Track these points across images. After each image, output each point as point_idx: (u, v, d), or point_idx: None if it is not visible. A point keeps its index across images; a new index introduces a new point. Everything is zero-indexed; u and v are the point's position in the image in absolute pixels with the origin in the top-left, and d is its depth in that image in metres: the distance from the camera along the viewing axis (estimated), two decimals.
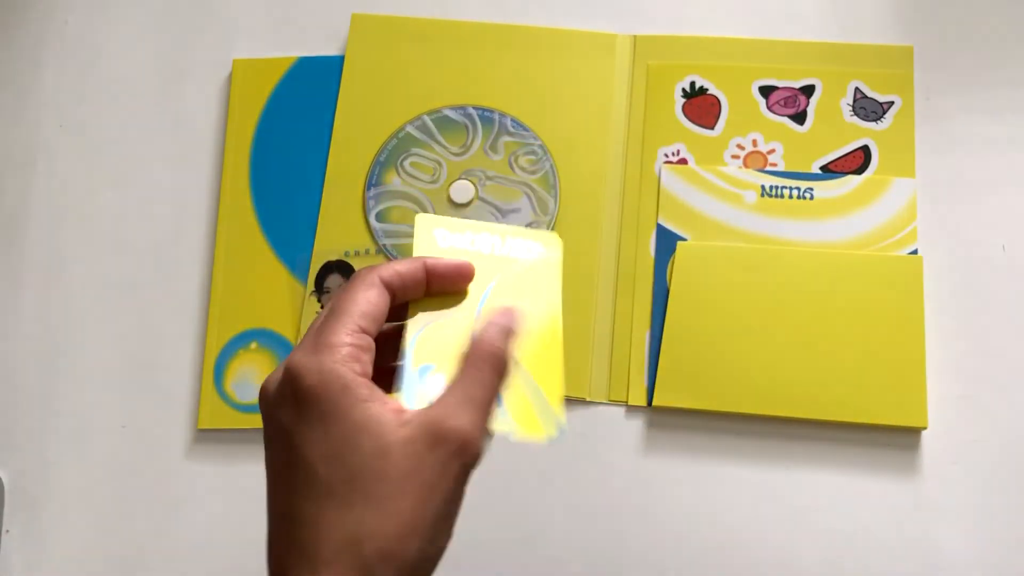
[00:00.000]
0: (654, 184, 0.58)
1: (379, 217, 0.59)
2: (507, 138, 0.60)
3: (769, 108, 0.59)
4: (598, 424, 0.56)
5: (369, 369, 0.32)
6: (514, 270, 0.37)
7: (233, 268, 0.59)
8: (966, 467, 0.53)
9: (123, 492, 0.57)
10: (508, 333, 0.34)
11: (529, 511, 0.54)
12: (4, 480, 0.57)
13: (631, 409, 0.56)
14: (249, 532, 0.55)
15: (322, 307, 0.58)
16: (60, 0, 0.66)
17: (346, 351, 0.31)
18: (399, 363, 0.33)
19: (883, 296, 0.54)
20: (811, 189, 0.57)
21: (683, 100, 0.60)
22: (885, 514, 0.53)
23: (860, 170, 0.58)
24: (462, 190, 0.59)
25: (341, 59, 0.62)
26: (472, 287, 0.36)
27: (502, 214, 0.58)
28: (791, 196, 0.57)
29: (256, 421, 0.56)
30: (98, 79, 0.64)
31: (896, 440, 0.54)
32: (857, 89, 0.59)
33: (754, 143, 0.59)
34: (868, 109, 0.58)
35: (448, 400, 0.31)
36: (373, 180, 0.59)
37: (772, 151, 0.58)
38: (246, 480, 0.56)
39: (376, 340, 0.33)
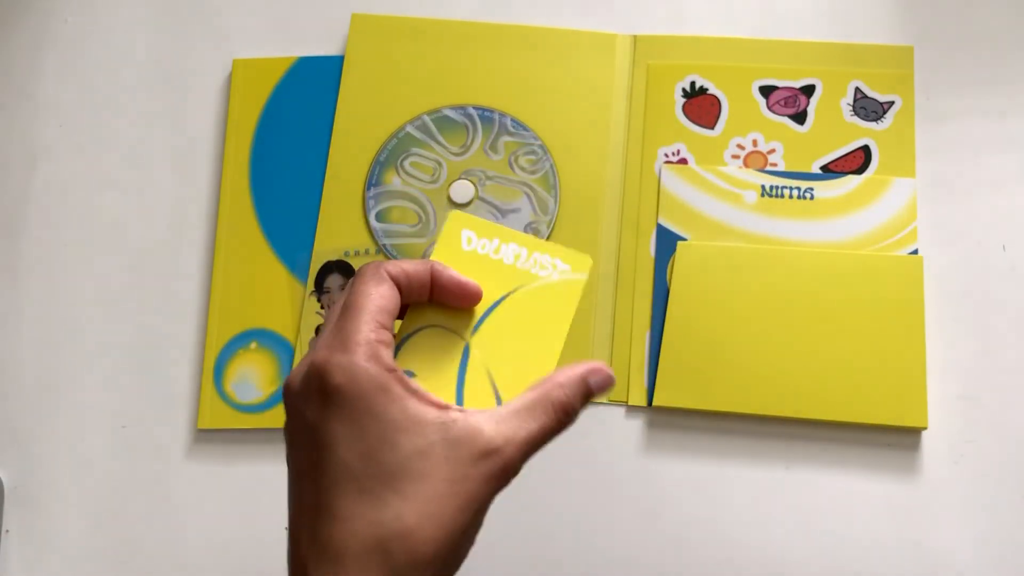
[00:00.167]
0: (654, 184, 0.58)
1: (379, 217, 0.59)
2: (507, 138, 0.60)
3: (769, 108, 0.59)
4: (598, 424, 0.56)
5: (393, 364, 0.31)
6: (530, 288, 0.36)
7: (233, 268, 0.59)
8: (966, 467, 0.53)
9: (123, 492, 0.57)
10: (589, 394, 0.34)
11: (529, 511, 0.54)
12: (4, 480, 0.57)
13: (631, 409, 0.56)
14: (249, 532, 0.55)
15: (322, 307, 0.58)
16: (60, 0, 0.66)
17: (371, 347, 0.31)
18: None
19: (883, 296, 0.54)
20: (811, 189, 0.57)
21: (683, 100, 0.60)
22: (885, 514, 0.53)
23: (860, 170, 0.58)
24: (462, 190, 0.59)
25: (341, 59, 0.62)
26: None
27: (502, 214, 0.58)
28: (791, 196, 0.57)
29: (256, 421, 0.57)
30: (98, 79, 0.64)
31: (896, 440, 0.54)
32: (857, 89, 0.59)
33: (754, 143, 0.59)
34: (868, 109, 0.58)
35: (506, 426, 0.31)
36: (373, 180, 0.59)
37: (772, 151, 0.58)
38: (246, 480, 0.56)
39: None
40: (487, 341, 0.35)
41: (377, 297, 0.32)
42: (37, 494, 0.57)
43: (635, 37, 0.61)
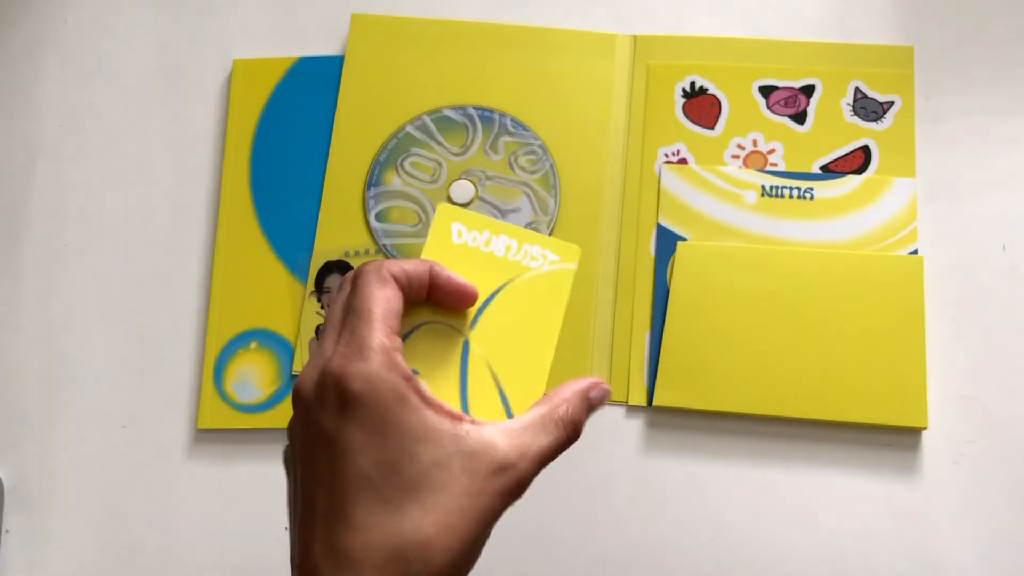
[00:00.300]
0: (654, 184, 0.58)
1: (379, 217, 0.59)
2: (507, 138, 0.60)
3: (769, 108, 0.59)
4: (598, 424, 0.55)
5: (409, 372, 0.31)
6: (522, 279, 0.36)
7: (233, 268, 0.59)
8: (966, 467, 0.53)
9: (123, 492, 0.57)
10: (591, 408, 0.34)
11: (529, 511, 0.54)
12: (4, 480, 0.57)
13: (631, 409, 0.56)
14: (249, 532, 0.55)
15: (322, 307, 0.58)
16: (60, 0, 0.66)
17: (388, 354, 0.31)
18: None
19: (883, 296, 0.54)
20: (811, 189, 0.57)
21: (683, 100, 0.60)
22: (885, 514, 0.53)
23: (860, 170, 0.58)
24: (462, 190, 0.59)
25: (341, 59, 0.62)
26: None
27: (502, 214, 0.58)
28: (791, 196, 0.57)
29: (256, 421, 0.57)
30: (98, 79, 0.64)
31: (896, 440, 0.54)
32: (857, 89, 0.59)
33: (754, 143, 0.59)
34: (868, 109, 0.58)
35: (519, 441, 0.32)
36: (373, 180, 0.59)
37: (772, 151, 0.58)
38: (246, 480, 0.56)
39: None
40: (485, 335, 0.35)
41: (384, 300, 0.32)
42: (37, 494, 0.57)
43: (635, 37, 0.61)
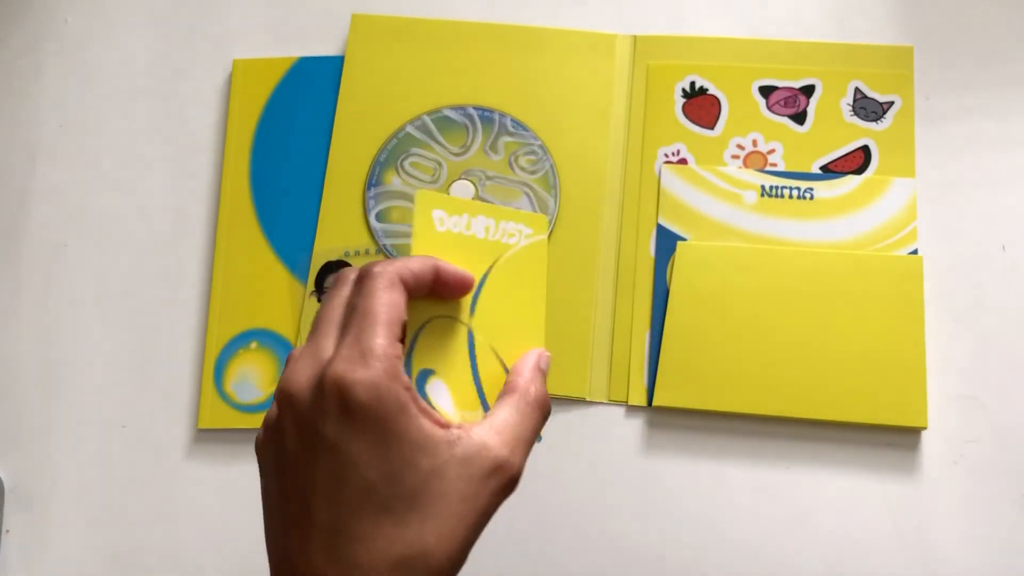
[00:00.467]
0: (654, 184, 0.58)
1: (379, 217, 0.59)
2: (507, 138, 0.60)
3: (769, 108, 0.59)
4: (598, 424, 0.56)
5: (408, 381, 0.31)
6: (506, 258, 0.37)
7: (233, 268, 0.59)
8: (966, 467, 0.53)
9: (123, 492, 0.57)
10: (545, 377, 0.36)
11: (529, 511, 0.54)
12: (4, 480, 0.57)
13: (631, 409, 0.56)
14: (249, 532, 0.55)
15: None
16: (60, 0, 0.66)
17: (391, 363, 0.30)
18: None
19: (883, 296, 0.54)
20: (811, 189, 0.57)
21: (683, 100, 0.60)
22: (885, 514, 0.53)
23: (860, 170, 0.58)
24: (462, 190, 0.59)
25: (341, 59, 0.62)
26: None
27: None
28: (791, 196, 0.57)
29: (256, 421, 0.56)
30: (98, 79, 0.64)
31: (896, 440, 0.54)
32: (857, 89, 0.59)
33: (754, 143, 0.59)
34: (868, 109, 0.58)
35: (507, 436, 0.32)
36: (373, 180, 0.59)
37: (772, 151, 0.58)
38: (246, 480, 0.56)
39: None
40: (484, 321, 0.36)
41: (391, 305, 0.32)
42: (37, 494, 0.57)
43: (635, 37, 0.61)
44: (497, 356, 0.36)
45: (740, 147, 0.59)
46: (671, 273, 0.56)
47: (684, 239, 0.57)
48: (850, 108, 0.59)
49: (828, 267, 0.55)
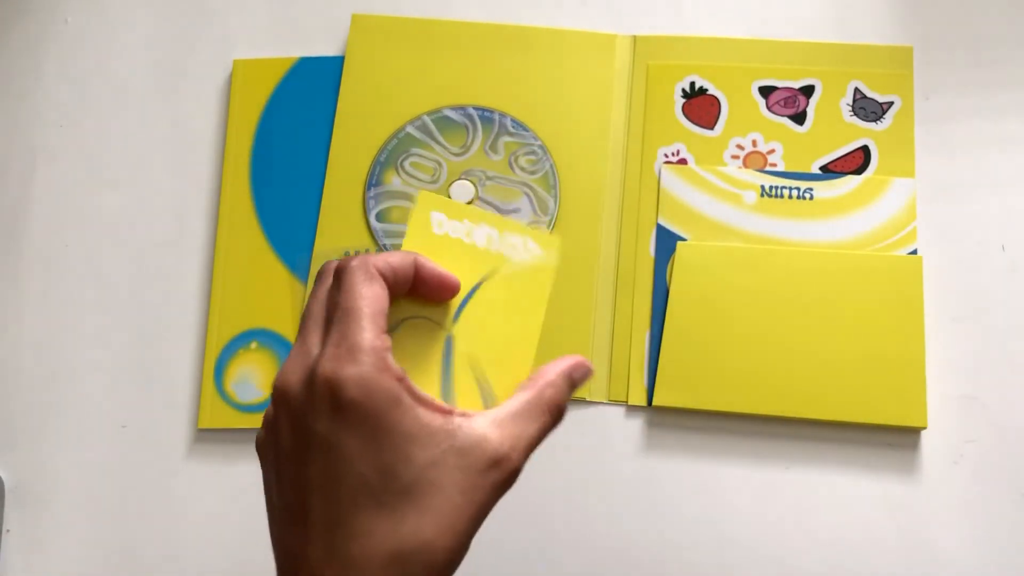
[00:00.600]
0: (654, 184, 0.58)
1: (379, 217, 0.59)
2: (507, 138, 0.60)
3: (769, 108, 0.59)
4: (598, 424, 0.56)
5: (401, 372, 0.31)
6: (504, 272, 0.36)
7: (233, 268, 0.59)
8: (966, 467, 0.53)
9: (123, 492, 0.57)
10: (573, 388, 0.34)
11: (529, 510, 0.54)
12: (4, 480, 0.57)
13: (631, 409, 0.56)
14: (249, 532, 0.55)
15: None
16: (60, 0, 0.66)
17: (380, 356, 0.30)
18: None
19: (883, 296, 0.54)
20: (811, 189, 0.57)
21: (683, 100, 0.60)
22: (885, 514, 0.53)
23: (860, 170, 0.58)
24: (462, 190, 0.59)
25: (341, 59, 0.62)
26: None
27: (502, 214, 0.58)
28: (791, 196, 0.57)
29: (256, 421, 0.56)
30: (98, 79, 0.64)
31: (896, 440, 0.54)
32: (857, 89, 0.59)
33: (754, 143, 0.59)
34: (868, 109, 0.58)
35: (509, 431, 0.32)
36: (373, 180, 0.60)
37: (772, 151, 0.58)
38: (246, 480, 0.56)
39: None
40: (468, 331, 0.35)
41: (373, 298, 0.31)
42: (37, 494, 0.57)
43: (635, 37, 0.61)
44: (474, 369, 0.34)
45: (740, 147, 0.59)
46: (671, 273, 0.56)
47: (684, 239, 0.57)
48: (850, 108, 0.59)
49: (828, 267, 0.55)
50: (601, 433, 0.55)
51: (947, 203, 0.57)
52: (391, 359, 0.31)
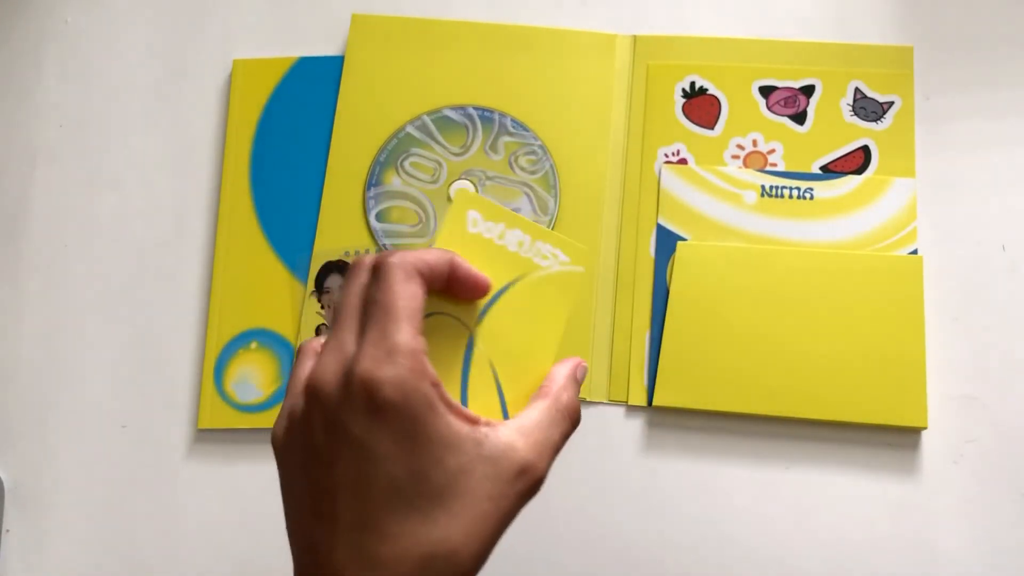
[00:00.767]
0: (654, 184, 0.58)
1: (379, 217, 0.59)
2: (507, 138, 0.60)
3: (769, 108, 0.59)
4: (598, 424, 0.56)
5: (436, 376, 0.31)
6: (531, 278, 0.36)
7: (233, 268, 0.59)
8: (966, 467, 0.53)
9: (123, 492, 0.57)
10: (578, 388, 0.36)
11: (528, 510, 0.54)
12: (4, 480, 0.57)
13: (631, 409, 0.56)
14: (249, 532, 0.55)
15: (323, 307, 0.58)
16: (60, 0, 0.66)
17: (417, 358, 0.30)
18: None
19: (883, 296, 0.54)
20: (811, 189, 0.57)
21: (683, 100, 0.60)
22: (885, 514, 0.53)
23: (860, 170, 0.58)
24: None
25: (341, 59, 0.62)
26: None
27: None
28: (791, 196, 0.57)
29: (256, 421, 0.57)
30: (98, 79, 0.64)
31: (896, 440, 0.54)
32: (857, 89, 0.59)
33: (754, 143, 0.59)
34: (868, 109, 0.58)
35: (534, 439, 0.32)
36: (373, 180, 0.60)
37: (772, 151, 0.58)
38: (246, 480, 0.56)
39: None
40: (490, 333, 0.35)
41: (410, 297, 0.31)
42: (37, 494, 0.57)
43: (635, 37, 0.61)
44: (493, 371, 0.35)
45: (740, 147, 0.59)
46: (671, 273, 0.56)
47: (684, 239, 0.57)
48: (850, 108, 0.59)
49: (828, 267, 0.55)
50: (601, 433, 0.55)
51: (947, 203, 0.57)
52: (427, 362, 0.31)
